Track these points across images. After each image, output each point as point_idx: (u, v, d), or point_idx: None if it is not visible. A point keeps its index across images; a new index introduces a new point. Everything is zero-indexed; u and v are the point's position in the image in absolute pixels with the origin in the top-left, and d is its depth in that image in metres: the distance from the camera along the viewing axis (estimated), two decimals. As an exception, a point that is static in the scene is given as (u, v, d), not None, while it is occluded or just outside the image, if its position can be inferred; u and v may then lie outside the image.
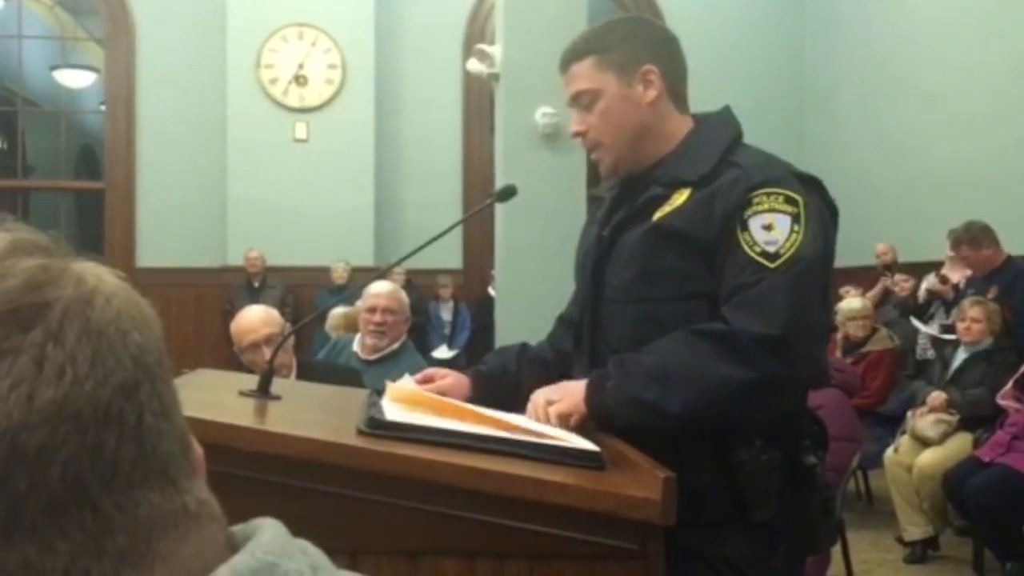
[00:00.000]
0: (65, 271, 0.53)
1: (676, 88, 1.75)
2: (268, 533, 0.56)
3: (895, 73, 8.10)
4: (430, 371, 1.88)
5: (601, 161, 1.78)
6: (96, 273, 0.55)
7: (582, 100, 1.74)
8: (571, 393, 1.58)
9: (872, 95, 8.42)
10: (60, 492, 0.49)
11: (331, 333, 5.53)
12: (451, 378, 1.83)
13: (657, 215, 1.64)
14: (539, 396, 1.62)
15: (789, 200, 1.56)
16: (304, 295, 8.56)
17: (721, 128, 1.73)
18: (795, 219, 1.55)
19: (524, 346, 1.97)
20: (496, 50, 4.90)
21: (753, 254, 1.54)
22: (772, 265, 1.53)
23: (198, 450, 0.59)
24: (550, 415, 1.56)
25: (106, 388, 0.51)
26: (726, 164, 1.63)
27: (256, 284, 8.54)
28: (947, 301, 5.91)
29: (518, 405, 1.71)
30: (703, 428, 1.53)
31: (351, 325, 4.88)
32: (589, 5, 4.85)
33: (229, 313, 8.03)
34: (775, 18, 9.69)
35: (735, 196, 1.57)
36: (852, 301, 5.95)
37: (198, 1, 8.98)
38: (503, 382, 1.86)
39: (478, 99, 9.20)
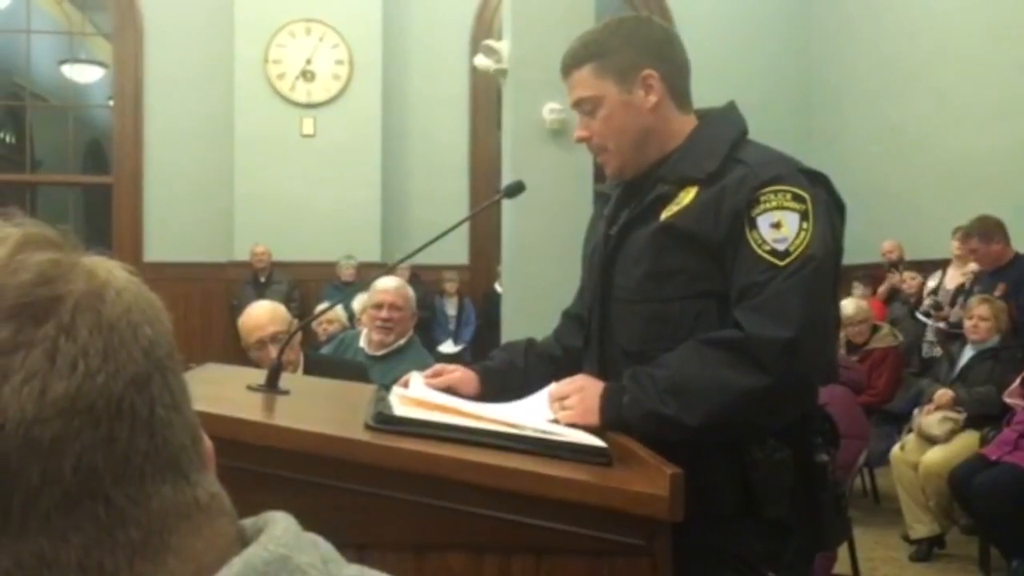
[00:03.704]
0: (76, 265, 0.53)
1: (677, 88, 1.74)
2: (280, 526, 0.57)
3: (902, 70, 8.07)
4: (438, 367, 1.88)
5: (607, 165, 1.78)
6: (107, 267, 0.55)
7: (583, 107, 1.74)
8: (585, 400, 1.58)
9: (879, 92, 8.40)
10: (74, 485, 0.49)
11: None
12: (459, 373, 1.83)
13: (665, 214, 1.64)
14: (555, 395, 1.63)
15: (797, 198, 1.56)
16: (310, 290, 8.57)
17: (726, 125, 1.73)
18: (803, 216, 1.55)
19: (531, 342, 1.97)
20: (503, 46, 4.90)
21: (762, 253, 1.54)
22: (782, 263, 1.52)
23: (208, 443, 0.59)
24: (560, 420, 1.56)
25: (118, 381, 0.51)
26: (732, 161, 1.63)
27: (262, 279, 8.55)
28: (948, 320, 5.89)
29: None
30: (723, 435, 1.53)
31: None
32: (596, 1, 4.85)
33: (236, 309, 8.04)
34: (782, 15, 9.66)
35: (743, 194, 1.57)
36: (846, 306, 5.78)
37: (206, -4, 9.00)
38: (511, 378, 1.86)
39: (485, 95, 9.19)
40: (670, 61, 1.73)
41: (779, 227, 1.54)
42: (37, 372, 0.49)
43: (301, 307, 8.06)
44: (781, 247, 1.53)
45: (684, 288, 1.62)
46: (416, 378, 1.79)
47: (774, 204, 1.55)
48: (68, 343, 0.50)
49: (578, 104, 1.75)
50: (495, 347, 2.10)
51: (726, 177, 1.60)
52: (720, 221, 1.58)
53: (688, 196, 1.63)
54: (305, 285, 8.61)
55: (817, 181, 1.63)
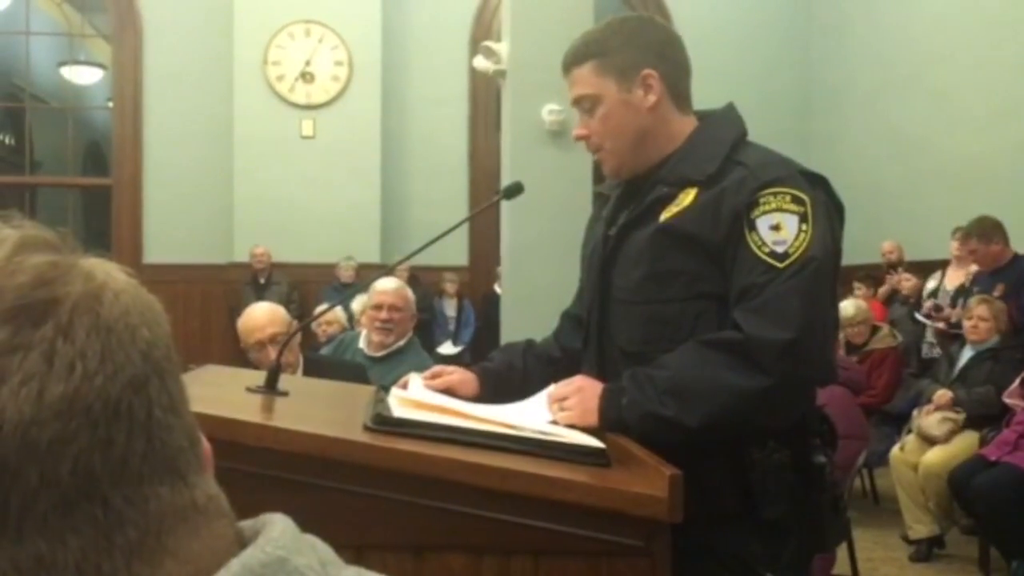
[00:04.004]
0: (74, 267, 0.53)
1: (677, 89, 1.74)
2: (278, 528, 0.57)
3: (902, 72, 8.08)
4: (437, 368, 1.88)
5: (604, 164, 1.78)
6: (105, 269, 0.55)
7: (583, 105, 1.74)
8: (584, 401, 1.58)
9: (879, 94, 8.40)
10: (71, 487, 0.50)
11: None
12: (458, 375, 1.83)
13: (664, 215, 1.64)
14: (554, 397, 1.63)
15: (796, 199, 1.56)
16: (310, 292, 8.57)
17: (725, 126, 1.73)
18: (803, 218, 1.55)
19: (530, 343, 1.97)
20: (503, 47, 4.90)
21: (762, 254, 1.54)
22: (781, 265, 1.53)
23: (206, 445, 0.59)
24: (559, 421, 1.56)
25: (116, 383, 0.51)
26: (732, 163, 1.63)
27: (262, 280, 8.55)
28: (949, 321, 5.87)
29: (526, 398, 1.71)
30: (722, 436, 1.53)
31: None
32: (596, 2, 4.85)
33: (236, 311, 8.01)
34: (782, 17, 9.67)
35: (742, 196, 1.57)
36: (846, 307, 5.77)
37: (205, -2, 9.00)
38: (510, 379, 1.86)
39: (484, 96, 9.20)
40: (671, 62, 1.74)
41: (778, 229, 1.55)
42: (35, 374, 0.49)
43: (300, 308, 8.06)
44: (780, 249, 1.54)
45: (683, 289, 1.62)
46: (415, 380, 1.79)
47: (773, 206, 1.56)
48: (66, 345, 0.50)
49: (578, 102, 1.75)
50: (494, 349, 2.10)
51: (726, 179, 1.61)
52: (719, 223, 1.58)
53: (688, 198, 1.63)
54: (305, 287, 8.62)
55: (816, 183, 1.63)
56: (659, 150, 1.72)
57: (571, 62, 1.75)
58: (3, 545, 0.49)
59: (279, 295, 7.80)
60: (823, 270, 1.55)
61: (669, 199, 1.65)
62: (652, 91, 1.70)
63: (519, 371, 1.88)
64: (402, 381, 1.81)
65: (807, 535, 1.61)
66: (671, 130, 1.72)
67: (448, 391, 1.76)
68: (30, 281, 0.51)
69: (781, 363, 1.49)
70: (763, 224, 1.55)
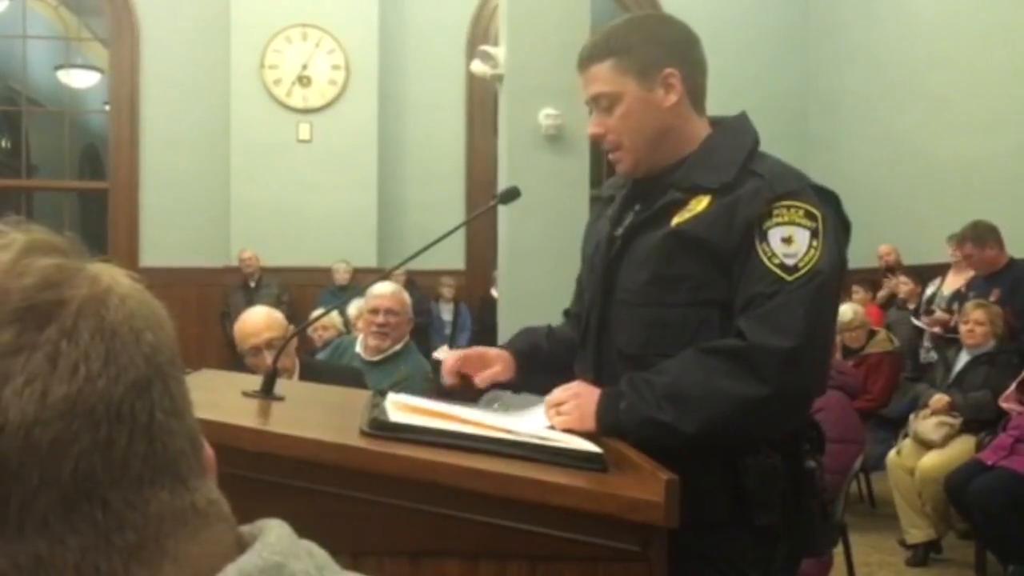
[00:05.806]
0: (80, 271, 0.54)
1: (695, 90, 1.73)
2: (275, 534, 0.57)
3: (899, 76, 8.09)
4: (480, 349, 1.87)
5: (620, 162, 1.75)
6: (111, 273, 0.56)
7: (601, 103, 1.72)
8: (581, 406, 1.58)
9: (875, 98, 8.42)
10: (71, 487, 0.50)
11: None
12: (500, 363, 1.81)
13: (676, 220, 1.64)
14: (551, 402, 1.63)
15: (809, 215, 1.57)
16: (307, 296, 8.56)
17: (740, 135, 1.72)
18: (814, 234, 1.56)
19: (550, 328, 1.97)
20: (500, 51, 4.91)
21: (771, 265, 1.54)
22: (789, 278, 1.53)
23: (209, 450, 0.59)
24: (555, 427, 1.56)
25: (118, 386, 0.52)
26: (747, 173, 1.63)
27: (252, 284, 8.54)
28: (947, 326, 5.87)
29: (550, 382, 1.70)
30: (718, 444, 1.53)
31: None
32: (592, 7, 4.86)
33: (227, 315, 7.99)
34: (779, 21, 9.68)
35: (756, 206, 1.57)
36: (843, 311, 5.71)
37: (202, 1, 9.00)
38: (538, 359, 1.87)
39: (481, 100, 9.20)
40: (691, 62, 1.73)
41: (790, 242, 1.55)
42: (38, 375, 0.50)
43: (291, 311, 8.03)
44: (791, 262, 1.54)
45: (688, 295, 1.62)
46: (444, 353, 1.78)
47: (787, 219, 1.56)
48: (70, 347, 0.51)
49: (595, 99, 1.73)
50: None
51: (740, 188, 1.60)
52: (732, 231, 1.58)
53: (700, 204, 1.63)
54: (302, 291, 8.61)
55: (827, 199, 1.64)
56: (675, 150, 1.71)
57: (589, 59, 1.72)
58: (2, 544, 0.49)
59: (269, 298, 7.77)
60: (828, 285, 1.56)
61: (681, 204, 1.65)
62: (673, 91, 1.69)
63: (545, 351, 1.88)
64: (436, 354, 1.80)
65: (797, 540, 1.62)
66: (688, 131, 1.72)
67: (490, 374, 1.77)
68: (36, 283, 0.52)
69: (781, 371, 1.49)
70: (775, 235, 1.55)
